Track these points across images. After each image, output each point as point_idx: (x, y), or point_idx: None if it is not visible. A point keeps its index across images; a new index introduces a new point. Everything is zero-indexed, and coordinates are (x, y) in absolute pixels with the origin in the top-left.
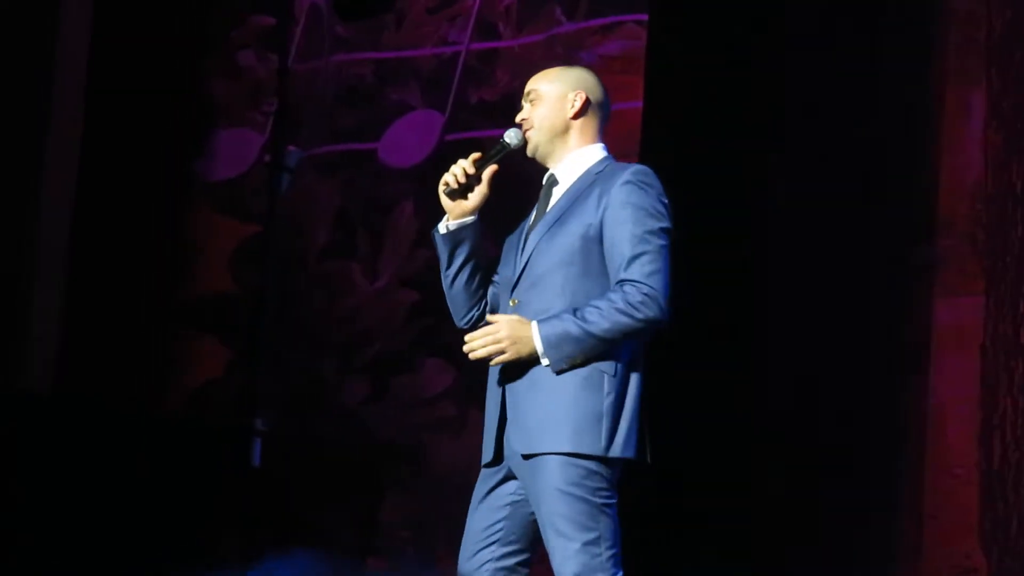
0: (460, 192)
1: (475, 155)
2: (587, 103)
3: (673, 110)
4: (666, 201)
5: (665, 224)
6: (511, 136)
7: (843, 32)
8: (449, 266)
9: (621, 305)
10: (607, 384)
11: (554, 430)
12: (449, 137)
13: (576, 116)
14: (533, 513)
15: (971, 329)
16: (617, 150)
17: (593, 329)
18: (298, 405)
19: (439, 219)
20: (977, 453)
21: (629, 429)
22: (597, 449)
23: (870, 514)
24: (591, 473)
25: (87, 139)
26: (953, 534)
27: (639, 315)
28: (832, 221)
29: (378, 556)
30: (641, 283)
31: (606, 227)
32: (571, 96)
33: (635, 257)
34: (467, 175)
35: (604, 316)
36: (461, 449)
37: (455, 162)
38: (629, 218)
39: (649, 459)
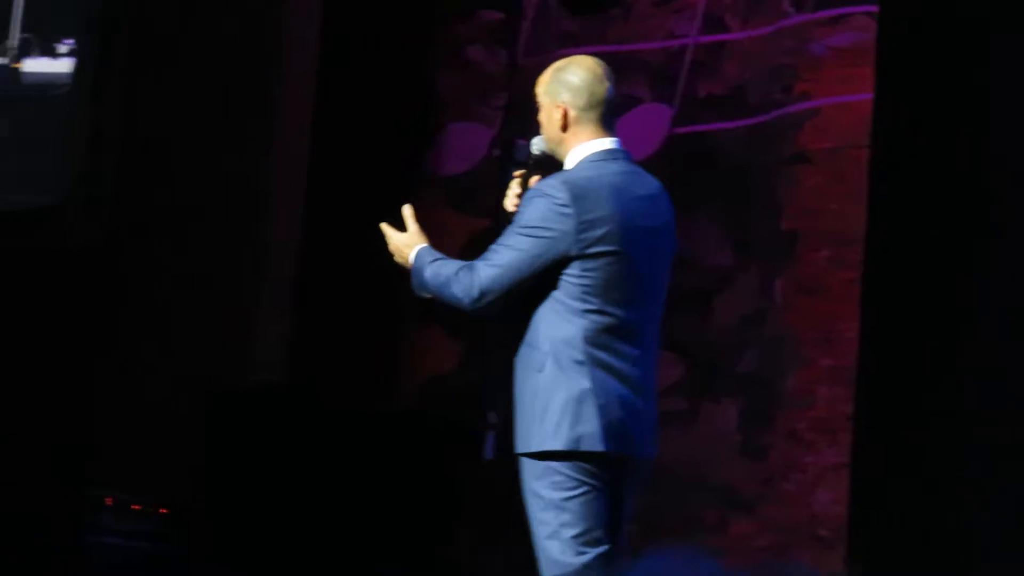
0: None
1: (517, 173)
2: (566, 115)
3: (904, 102)
4: (566, 211)
5: (532, 223)
6: (535, 144)
7: None
8: None
9: (452, 273)
10: (539, 381)
11: (518, 432)
12: (677, 131)
13: (563, 128)
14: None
15: None
16: (847, 141)
17: (427, 273)
18: None
19: None
20: None
21: (559, 421)
22: (536, 445)
23: None
24: (544, 469)
25: (316, 134)
26: None
27: (451, 289)
28: None
29: None
30: (475, 267)
31: None
32: (556, 110)
33: (493, 245)
34: (519, 196)
35: (439, 272)
36: (691, 442)
37: (683, 155)
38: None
39: (597, 447)
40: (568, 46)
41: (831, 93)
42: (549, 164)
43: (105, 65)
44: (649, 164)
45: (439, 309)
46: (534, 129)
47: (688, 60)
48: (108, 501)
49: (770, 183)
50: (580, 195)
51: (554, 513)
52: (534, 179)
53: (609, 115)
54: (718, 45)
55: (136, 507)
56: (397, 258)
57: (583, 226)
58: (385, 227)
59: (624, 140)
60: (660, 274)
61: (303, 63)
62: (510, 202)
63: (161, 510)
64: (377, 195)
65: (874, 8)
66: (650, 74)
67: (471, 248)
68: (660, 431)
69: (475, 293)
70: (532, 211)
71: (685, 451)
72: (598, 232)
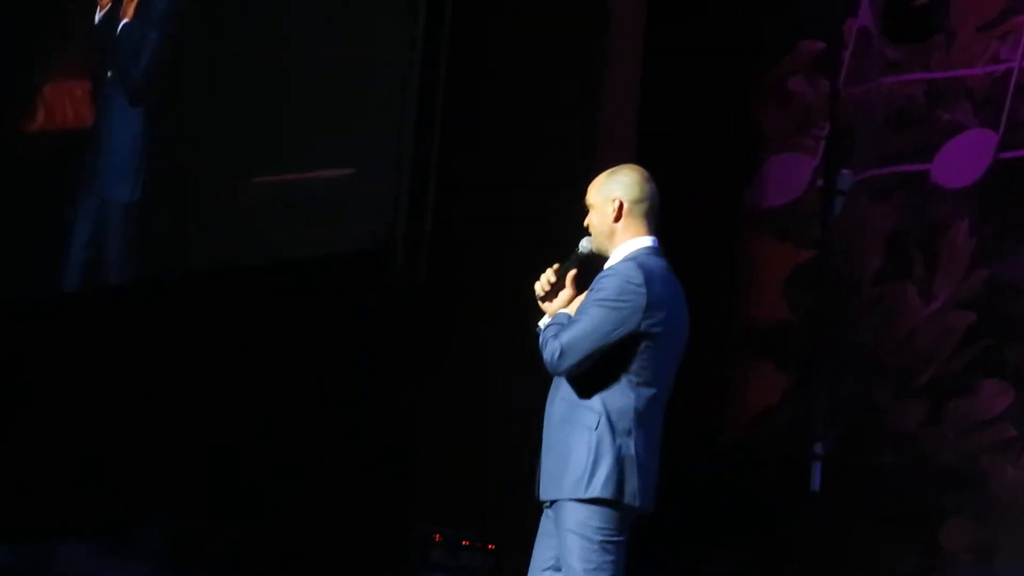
0: (550, 295)
1: (556, 265)
2: (621, 207)
3: None
4: (640, 289)
5: (611, 297)
6: (583, 244)
7: None
8: None
9: (551, 335)
10: (592, 439)
11: (560, 479)
12: (1003, 156)
13: (616, 220)
14: None
15: None
16: None
17: (542, 332)
18: (854, 430)
19: (999, 239)
20: None
21: (608, 474)
22: (589, 493)
23: None
24: (590, 514)
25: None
26: None
27: (543, 350)
28: None
29: None
30: (561, 336)
31: None
32: (610, 204)
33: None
34: (551, 283)
35: (545, 334)
36: (1022, 470)
37: (1009, 181)
38: (589, 295)
39: (635, 502)
40: (890, 74)
41: None
42: (593, 262)
43: (428, 108)
44: (976, 190)
45: (766, 342)
46: (857, 158)
47: (1013, 85)
48: (437, 537)
49: None
50: (650, 279)
51: (600, 554)
52: (572, 273)
53: (652, 212)
54: None
55: (465, 543)
56: (541, 300)
57: (651, 306)
58: (552, 274)
59: (949, 166)
60: (680, 356)
61: (625, 99)
62: (540, 287)
63: (489, 546)
64: (700, 226)
65: None
66: (974, 100)
67: (796, 278)
68: (989, 461)
69: (556, 356)
70: (610, 287)
71: (1015, 479)
72: (660, 315)
